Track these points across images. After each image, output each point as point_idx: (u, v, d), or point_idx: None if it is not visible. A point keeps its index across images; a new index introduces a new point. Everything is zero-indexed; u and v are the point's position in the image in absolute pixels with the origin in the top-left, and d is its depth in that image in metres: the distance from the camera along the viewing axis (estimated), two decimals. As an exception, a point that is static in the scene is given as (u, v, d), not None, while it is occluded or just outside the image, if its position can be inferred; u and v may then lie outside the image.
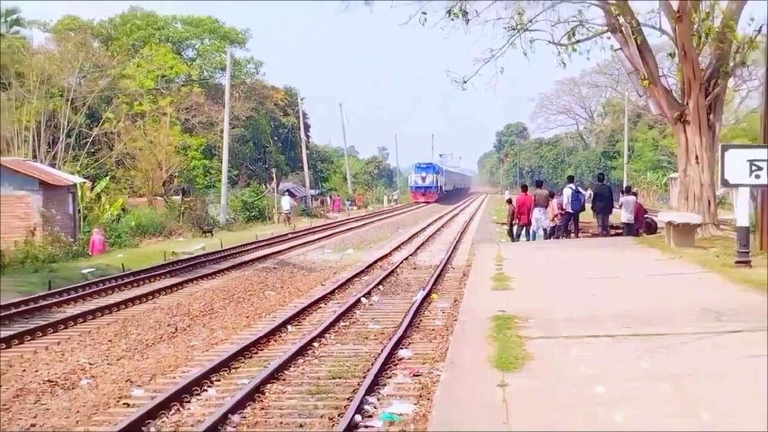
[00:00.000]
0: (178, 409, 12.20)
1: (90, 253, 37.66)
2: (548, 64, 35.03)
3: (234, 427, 11.25)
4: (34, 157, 51.84)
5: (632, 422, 8.25)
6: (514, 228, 34.83)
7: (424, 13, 30.44)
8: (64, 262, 33.89)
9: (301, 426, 11.26)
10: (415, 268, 31.02)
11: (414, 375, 13.77)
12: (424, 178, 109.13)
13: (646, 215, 34.50)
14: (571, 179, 38.02)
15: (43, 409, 12.58)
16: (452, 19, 30.92)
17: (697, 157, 30.33)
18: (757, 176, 20.55)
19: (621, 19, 31.33)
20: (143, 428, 11.22)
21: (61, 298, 23.80)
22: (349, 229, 56.29)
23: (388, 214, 78.79)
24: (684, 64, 30.63)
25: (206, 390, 13.33)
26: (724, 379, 9.96)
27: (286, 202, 67.65)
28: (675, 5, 29.95)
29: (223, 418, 11.31)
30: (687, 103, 30.56)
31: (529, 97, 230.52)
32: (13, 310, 21.52)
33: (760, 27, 28.64)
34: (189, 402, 12.60)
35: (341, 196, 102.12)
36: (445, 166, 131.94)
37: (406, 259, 34.05)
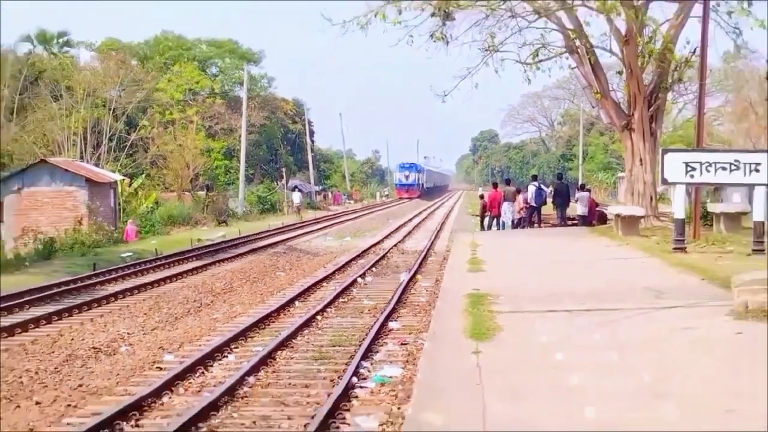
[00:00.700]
0: (203, 372, 12.21)
1: (126, 241, 37.63)
2: (516, 80, 35.19)
3: (250, 387, 11.26)
4: (81, 157, 51.80)
5: (586, 384, 8.28)
6: (486, 219, 34.85)
7: (411, 37, 30.53)
8: (107, 247, 33.89)
9: (306, 387, 11.28)
10: (402, 253, 31.03)
11: (402, 344, 13.78)
12: (407, 177, 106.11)
13: (597, 208, 34.55)
14: (534, 178, 38.24)
15: (89, 371, 12.59)
16: (434, 42, 30.99)
17: (641, 160, 30.42)
18: (692, 176, 20.69)
19: (577, 42, 31.40)
20: (173, 388, 11.24)
21: (104, 278, 23.78)
22: (347, 220, 56.28)
23: (380, 208, 78.74)
24: (630, 80, 30.76)
25: (227, 356, 13.34)
26: (663, 346, 9.99)
27: (297, 197, 67.82)
28: (623, 30, 30.10)
29: (241, 380, 11.32)
30: (632, 114, 30.64)
31: (499, 108, 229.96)
32: (63, 288, 21.50)
33: (695, 49, 28.73)
34: (212, 366, 12.61)
35: (341, 191, 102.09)
36: (427, 166, 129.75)
37: (395, 245, 34.05)
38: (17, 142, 51.08)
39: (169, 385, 11.24)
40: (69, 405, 10.73)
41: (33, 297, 19.84)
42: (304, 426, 9.25)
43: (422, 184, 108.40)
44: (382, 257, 28.69)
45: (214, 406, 10.14)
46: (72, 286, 22.02)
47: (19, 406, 10.76)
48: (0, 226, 37.76)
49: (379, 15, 29.74)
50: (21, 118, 52.70)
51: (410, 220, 53.73)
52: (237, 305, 18.95)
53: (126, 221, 41.33)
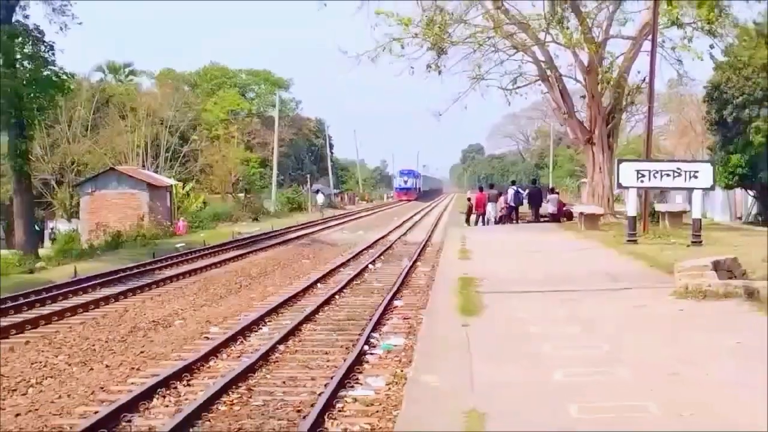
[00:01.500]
0: (242, 341, 12.22)
1: (178, 234, 37.67)
2: (498, 102, 35.25)
3: (280, 353, 11.28)
4: (143, 166, 51.81)
5: (555, 352, 8.29)
6: (472, 217, 34.72)
7: (412, 68, 30.67)
8: (163, 240, 33.94)
9: (326, 353, 11.28)
10: (405, 244, 30.98)
11: (404, 318, 13.78)
12: (406, 182, 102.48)
13: (565, 208, 34.48)
14: (513, 183, 38.33)
15: (149, 341, 12.63)
16: (430, 72, 31.05)
17: (600, 168, 30.46)
18: (642, 181, 20.68)
19: (548, 72, 31.46)
20: (218, 354, 11.26)
21: (161, 264, 23.84)
22: (360, 217, 56.21)
23: (386, 207, 78.62)
24: (591, 103, 30.83)
25: (261, 328, 13.35)
26: (618, 320, 9.99)
27: (320, 198, 67.76)
28: (586, 62, 30.18)
29: (273, 348, 11.33)
30: (593, 131, 30.67)
31: (484, 126, 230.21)
32: (128, 272, 21.57)
33: (644, 78, 28.72)
34: (249, 336, 12.62)
35: (355, 194, 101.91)
36: (424, 173, 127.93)
37: (399, 238, 34.01)
38: (90, 153, 51.15)
39: (214, 352, 11.27)
40: (133, 368, 10.77)
41: (104, 280, 19.91)
42: (324, 385, 9.26)
43: (419, 188, 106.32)
44: (389, 247, 28.67)
45: (251, 369, 10.16)
46: (135, 270, 22.09)
47: (92, 369, 10.80)
48: (77, 222, 37.87)
49: (386, 50, 29.95)
50: (93, 134, 52.76)
51: (411, 217, 53.53)
52: (270, 287, 18.97)
53: (180, 218, 41.42)
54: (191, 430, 7.89)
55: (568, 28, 29.48)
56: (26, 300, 16.55)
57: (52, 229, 46.33)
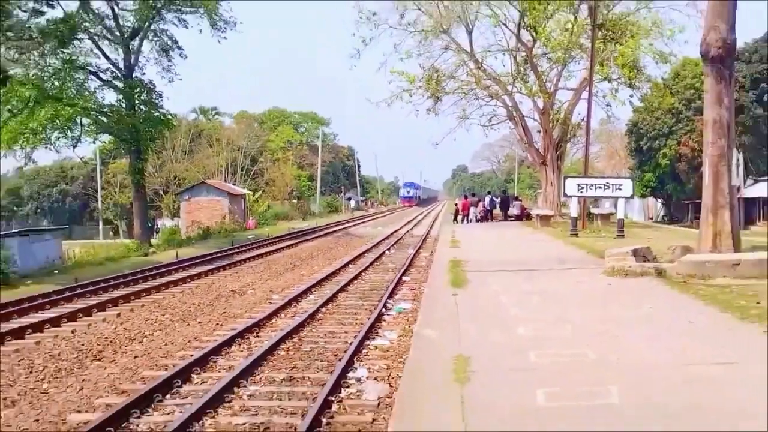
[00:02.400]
0: (295, 305, 12.24)
1: (248, 229, 37.80)
2: (478, 135, 35.20)
3: (322, 314, 11.28)
4: (225, 180, 52.06)
5: (520, 314, 8.24)
6: (459, 217, 34.66)
7: (417, 110, 30.87)
8: (239, 233, 34.06)
9: (355, 314, 11.27)
10: (411, 236, 30.83)
11: (411, 289, 13.74)
12: (408, 191, 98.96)
13: (526, 211, 34.34)
14: (489, 193, 38.36)
15: (229, 305, 12.67)
16: (429, 114, 31.20)
17: (551, 182, 30.44)
18: (581, 192, 20.65)
19: (514, 113, 31.50)
20: (278, 314, 11.29)
21: (238, 250, 23.93)
22: (379, 217, 56.12)
23: (398, 210, 78.42)
24: (545, 136, 30.79)
25: (309, 295, 13.36)
26: (564, 292, 9.92)
27: (353, 203, 67.95)
28: (541, 106, 30.19)
29: (317, 310, 11.34)
30: (546, 156, 30.64)
31: (468, 151, 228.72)
32: (214, 256, 21.66)
33: (583, 118, 28.71)
34: (300, 302, 12.63)
35: (376, 200, 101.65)
36: (423, 185, 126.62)
37: (407, 232, 33.89)
38: (187, 171, 51.49)
39: (275, 313, 11.29)
40: (217, 324, 10.81)
41: (197, 261, 20.05)
42: (354, 337, 9.25)
43: (419, 196, 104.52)
44: (400, 239, 28.57)
45: (302, 325, 10.17)
46: (219, 255, 22.20)
47: (188, 324, 10.85)
48: (178, 221, 37.98)
49: (398, 98, 30.28)
50: (189, 157, 53.10)
51: (416, 217, 53.33)
52: (315, 266, 18.98)
53: (250, 217, 41.57)
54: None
55: (528, 82, 29.67)
56: (142, 275, 16.70)
57: (159, 224, 46.66)
